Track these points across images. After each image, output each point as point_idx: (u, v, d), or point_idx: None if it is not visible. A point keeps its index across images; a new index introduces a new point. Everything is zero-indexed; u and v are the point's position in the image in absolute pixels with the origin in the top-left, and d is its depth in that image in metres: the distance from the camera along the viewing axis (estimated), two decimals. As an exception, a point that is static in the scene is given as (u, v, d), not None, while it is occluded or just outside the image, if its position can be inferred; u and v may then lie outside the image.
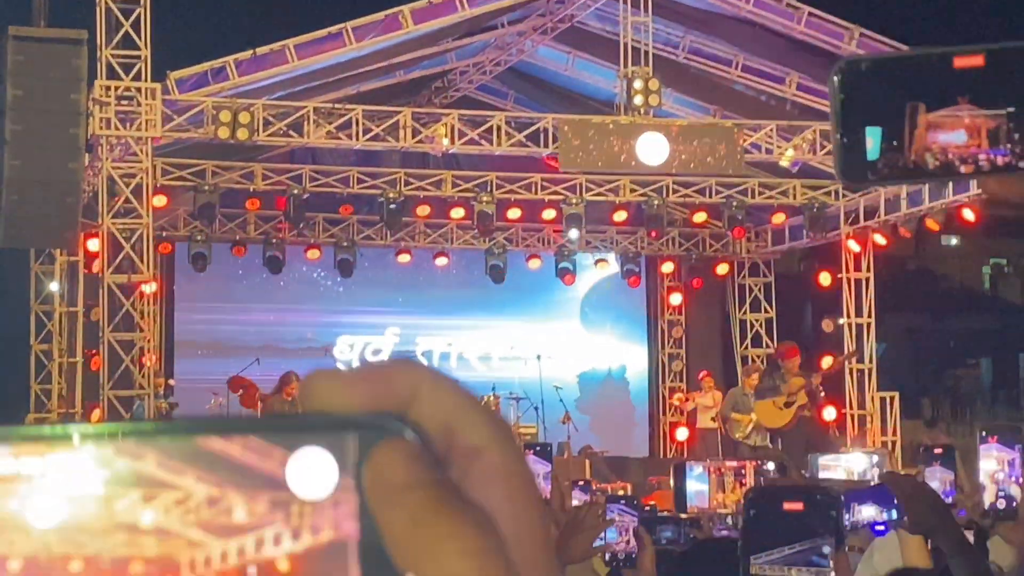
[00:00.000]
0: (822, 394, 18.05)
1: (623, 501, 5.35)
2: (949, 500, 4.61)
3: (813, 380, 17.59)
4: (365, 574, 0.67)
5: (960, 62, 1.18)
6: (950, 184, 16.86)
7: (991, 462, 4.05)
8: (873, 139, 1.18)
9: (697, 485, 9.81)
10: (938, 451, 4.83)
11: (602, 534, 4.91)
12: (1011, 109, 1.17)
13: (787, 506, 1.68)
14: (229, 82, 17.67)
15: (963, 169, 1.18)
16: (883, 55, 1.23)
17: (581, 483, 9.73)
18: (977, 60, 1.18)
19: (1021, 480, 4.00)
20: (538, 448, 5.50)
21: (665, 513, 9.81)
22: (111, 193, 17.35)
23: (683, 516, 8.77)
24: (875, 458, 13.16)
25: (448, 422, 0.73)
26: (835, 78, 1.20)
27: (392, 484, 0.69)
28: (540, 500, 0.76)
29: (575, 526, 4.75)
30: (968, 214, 19.53)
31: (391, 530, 0.68)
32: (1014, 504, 3.98)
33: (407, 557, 0.68)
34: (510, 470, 0.74)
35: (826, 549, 1.67)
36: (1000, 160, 1.17)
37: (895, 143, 1.18)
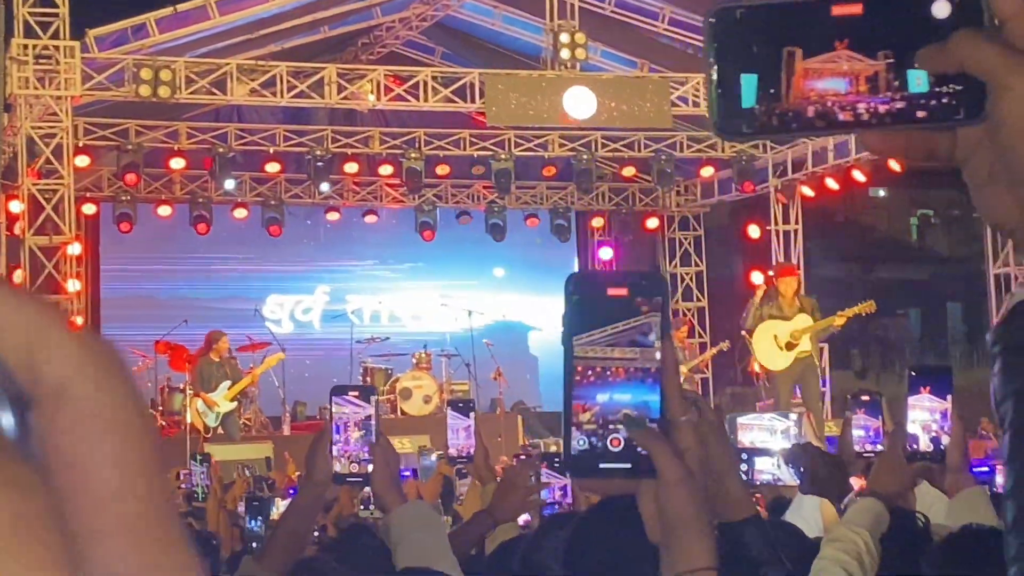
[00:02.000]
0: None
1: (549, 463, 5.30)
2: (878, 447, 4.58)
3: (834, 324, 16.86)
4: None
5: (838, 9, 1.13)
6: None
7: (923, 412, 3.99)
8: (748, 87, 1.13)
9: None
10: (864, 398, 4.81)
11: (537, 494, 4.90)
12: (891, 59, 1.12)
13: (611, 292, 1.62)
14: (150, 39, 17.41)
15: (842, 117, 1.12)
16: (758, 1, 1.18)
17: (523, 456, 9.63)
18: (855, 8, 1.13)
19: (949, 429, 3.97)
20: (461, 404, 5.42)
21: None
22: (31, 154, 17.07)
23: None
24: (792, 417, 13.16)
25: (30, 350, 0.60)
26: (708, 25, 1.14)
27: None
28: (143, 442, 0.63)
29: (507, 487, 4.73)
30: (895, 165, 19.63)
31: None
32: (941, 447, 3.95)
33: None
34: (100, 408, 0.61)
35: (652, 336, 1.60)
36: (881, 108, 1.12)
37: (771, 91, 1.13)
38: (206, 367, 18.15)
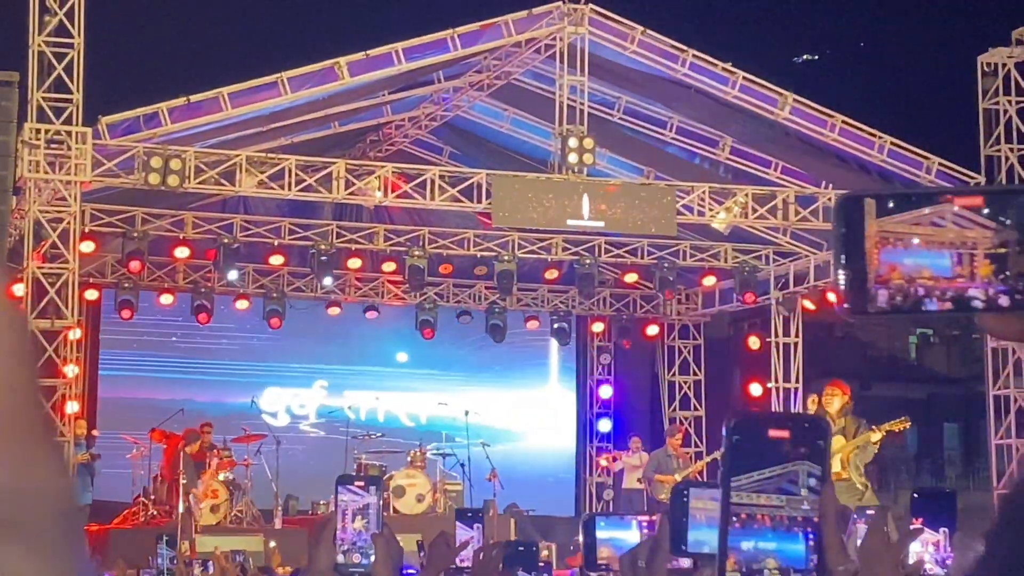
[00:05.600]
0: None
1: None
2: None
3: (871, 441, 15.09)
4: None
5: (960, 202, 1.16)
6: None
7: (915, 543, 3.94)
8: (870, 268, 1.17)
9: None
10: (869, 511, 4.80)
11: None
12: (1006, 249, 1.16)
13: (772, 433, 1.60)
14: (161, 128, 17.52)
15: (953, 298, 1.16)
16: (883, 191, 1.23)
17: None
18: (976, 200, 1.18)
19: (949, 558, 3.92)
20: (470, 514, 5.27)
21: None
22: (37, 237, 17.11)
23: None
24: None
25: None
26: (838, 211, 1.21)
27: None
28: (15, 340, 0.61)
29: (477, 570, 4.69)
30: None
31: None
32: (946, 569, 3.91)
33: None
34: None
35: (812, 481, 1.59)
36: (991, 292, 1.16)
37: (885, 271, 1.19)
38: (184, 460, 18.22)
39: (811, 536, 1.60)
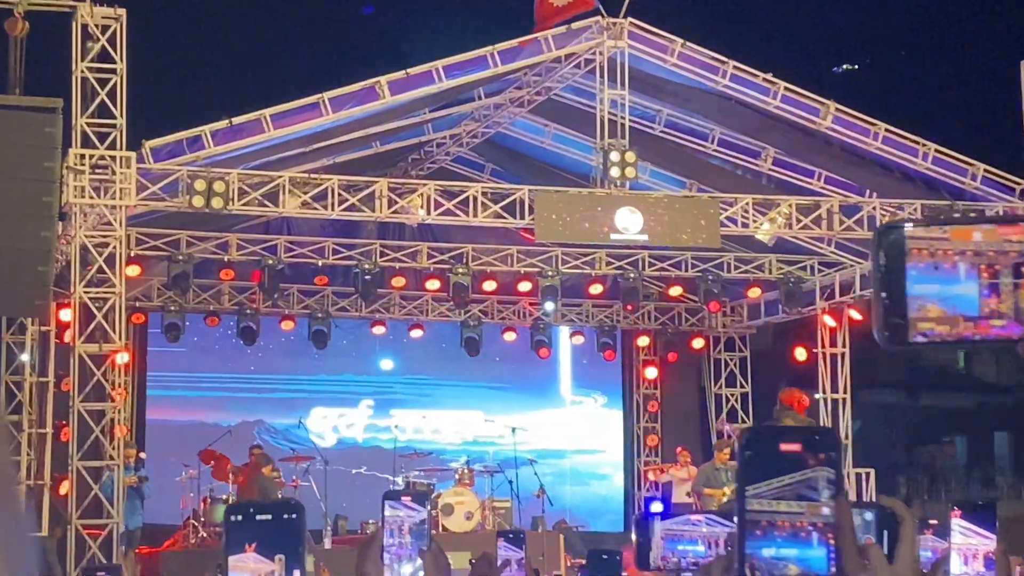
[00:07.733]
0: None
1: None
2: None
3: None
4: None
5: (1003, 231, 1.15)
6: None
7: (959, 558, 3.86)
8: (910, 300, 1.15)
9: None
10: (932, 522, 4.71)
11: None
12: None
13: (784, 447, 1.60)
14: (205, 151, 17.59)
15: (996, 331, 1.15)
16: (923, 219, 1.21)
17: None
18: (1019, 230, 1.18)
19: (994, 566, 3.83)
20: (511, 535, 5.24)
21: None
22: (84, 262, 17.18)
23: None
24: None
25: None
26: (877, 241, 1.19)
27: None
28: None
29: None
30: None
31: None
32: None
33: None
34: None
35: (826, 493, 1.59)
36: None
37: (928, 304, 1.19)
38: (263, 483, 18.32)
39: (832, 543, 1.59)
